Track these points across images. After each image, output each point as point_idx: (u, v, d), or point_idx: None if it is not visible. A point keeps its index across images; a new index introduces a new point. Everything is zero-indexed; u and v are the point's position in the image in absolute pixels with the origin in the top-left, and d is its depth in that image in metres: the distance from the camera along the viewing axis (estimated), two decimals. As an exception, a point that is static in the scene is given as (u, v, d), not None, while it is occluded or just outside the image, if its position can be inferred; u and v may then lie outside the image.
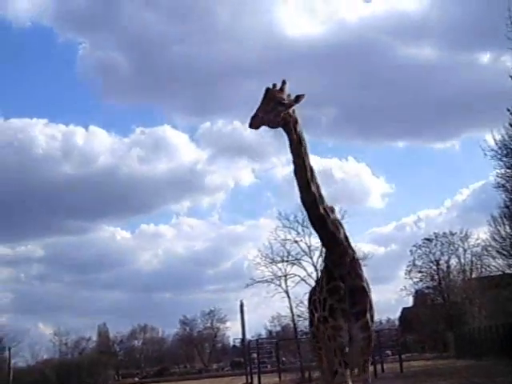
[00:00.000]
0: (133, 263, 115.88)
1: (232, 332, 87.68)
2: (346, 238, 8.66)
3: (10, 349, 72.59)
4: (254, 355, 42.71)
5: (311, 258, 50.19)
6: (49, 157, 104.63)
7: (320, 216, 8.29)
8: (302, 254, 49.72)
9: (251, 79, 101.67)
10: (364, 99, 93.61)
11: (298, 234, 50.09)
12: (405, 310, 70.83)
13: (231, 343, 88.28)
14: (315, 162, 8.63)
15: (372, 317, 8.67)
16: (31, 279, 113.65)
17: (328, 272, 8.73)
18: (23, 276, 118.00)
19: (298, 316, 42.77)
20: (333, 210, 8.66)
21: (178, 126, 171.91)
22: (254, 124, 8.01)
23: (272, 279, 43.41)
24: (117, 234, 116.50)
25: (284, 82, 8.21)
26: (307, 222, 50.61)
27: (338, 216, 8.97)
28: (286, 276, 45.38)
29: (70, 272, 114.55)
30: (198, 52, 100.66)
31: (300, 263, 44.08)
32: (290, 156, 8.35)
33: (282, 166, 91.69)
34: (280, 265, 46.43)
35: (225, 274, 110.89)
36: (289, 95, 8.22)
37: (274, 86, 8.26)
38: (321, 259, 50.16)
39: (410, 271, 56.78)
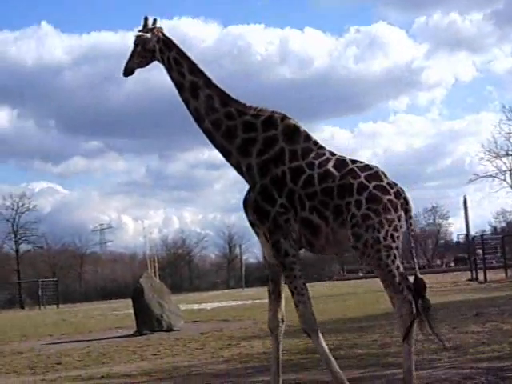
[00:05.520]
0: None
1: (454, 228, 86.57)
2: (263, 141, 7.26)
3: (240, 246, 78.04)
4: (479, 251, 42.04)
5: (538, 150, 47.96)
6: (267, 62, 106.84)
7: (205, 130, 7.57)
8: (528, 146, 47.70)
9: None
10: None
11: (523, 126, 47.95)
12: None
13: (454, 239, 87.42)
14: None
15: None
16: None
17: None
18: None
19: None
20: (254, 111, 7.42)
21: (394, 22, 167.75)
22: (124, 74, 7.65)
23: (496, 174, 42.13)
24: (336, 134, 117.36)
25: (145, 19, 7.58)
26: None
27: None
28: (511, 170, 43.94)
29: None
30: None
31: (526, 156, 42.47)
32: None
33: (505, 57, 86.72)
34: (505, 159, 44.95)
35: (445, 170, 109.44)
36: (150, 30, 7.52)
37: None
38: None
39: None
